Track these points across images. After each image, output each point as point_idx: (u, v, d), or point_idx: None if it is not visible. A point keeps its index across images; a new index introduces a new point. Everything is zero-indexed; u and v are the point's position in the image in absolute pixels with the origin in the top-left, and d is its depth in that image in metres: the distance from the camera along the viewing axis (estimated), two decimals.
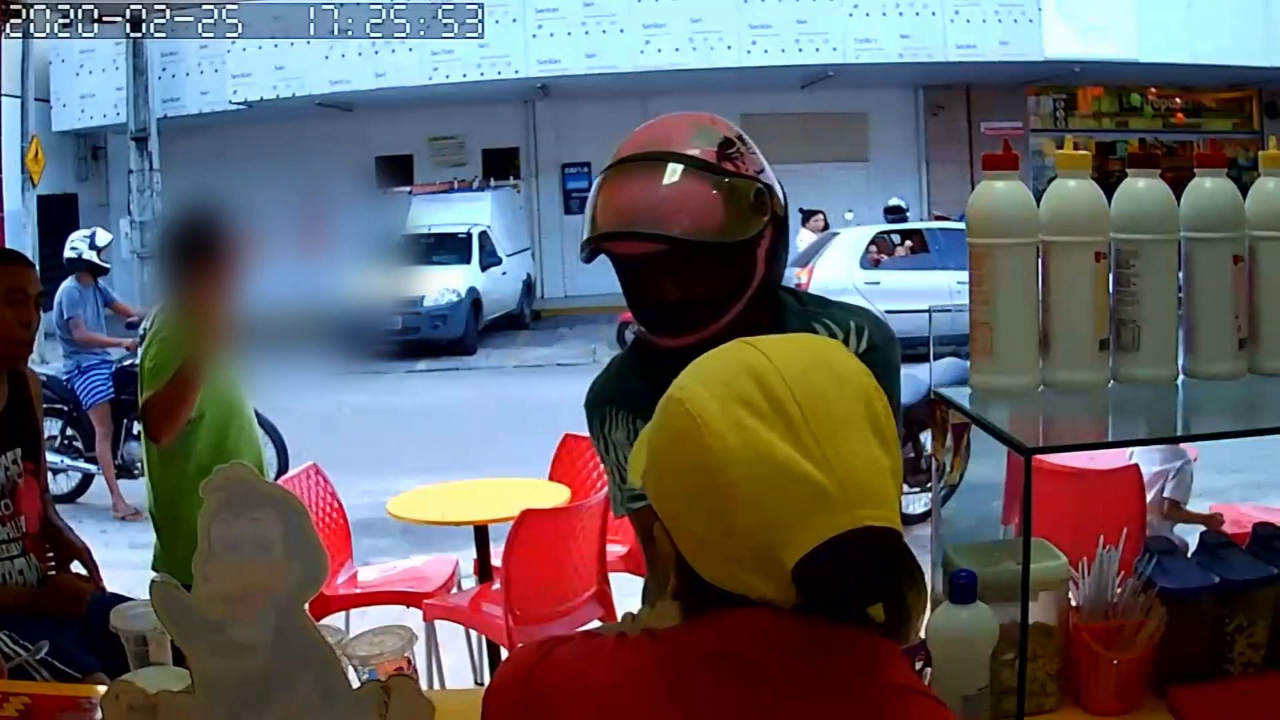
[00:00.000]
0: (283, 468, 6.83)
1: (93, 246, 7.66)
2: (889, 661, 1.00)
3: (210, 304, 3.06)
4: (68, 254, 7.70)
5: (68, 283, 7.66)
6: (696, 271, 1.78)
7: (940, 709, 1.04)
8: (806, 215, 14.87)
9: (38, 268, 3.08)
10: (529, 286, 18.34)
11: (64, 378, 7.68)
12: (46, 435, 7.66)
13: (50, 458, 7.57)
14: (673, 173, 1.79)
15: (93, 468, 7.72)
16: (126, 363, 7.53)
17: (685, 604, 1.03)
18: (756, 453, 0.96)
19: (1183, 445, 4.26)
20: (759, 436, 0.96)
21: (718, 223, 1.76)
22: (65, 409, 7.77)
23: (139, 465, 7.54)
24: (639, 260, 1.83)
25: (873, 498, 0.95)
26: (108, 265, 7.81)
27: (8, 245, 3.58)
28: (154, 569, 3.17)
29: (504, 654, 3.93)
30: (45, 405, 7.87)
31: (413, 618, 4.01)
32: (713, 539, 0.98)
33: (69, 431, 7.84)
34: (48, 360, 12.68)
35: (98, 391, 7.51)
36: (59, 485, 7.87)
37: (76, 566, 2.99)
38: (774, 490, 0.95)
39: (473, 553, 4.31)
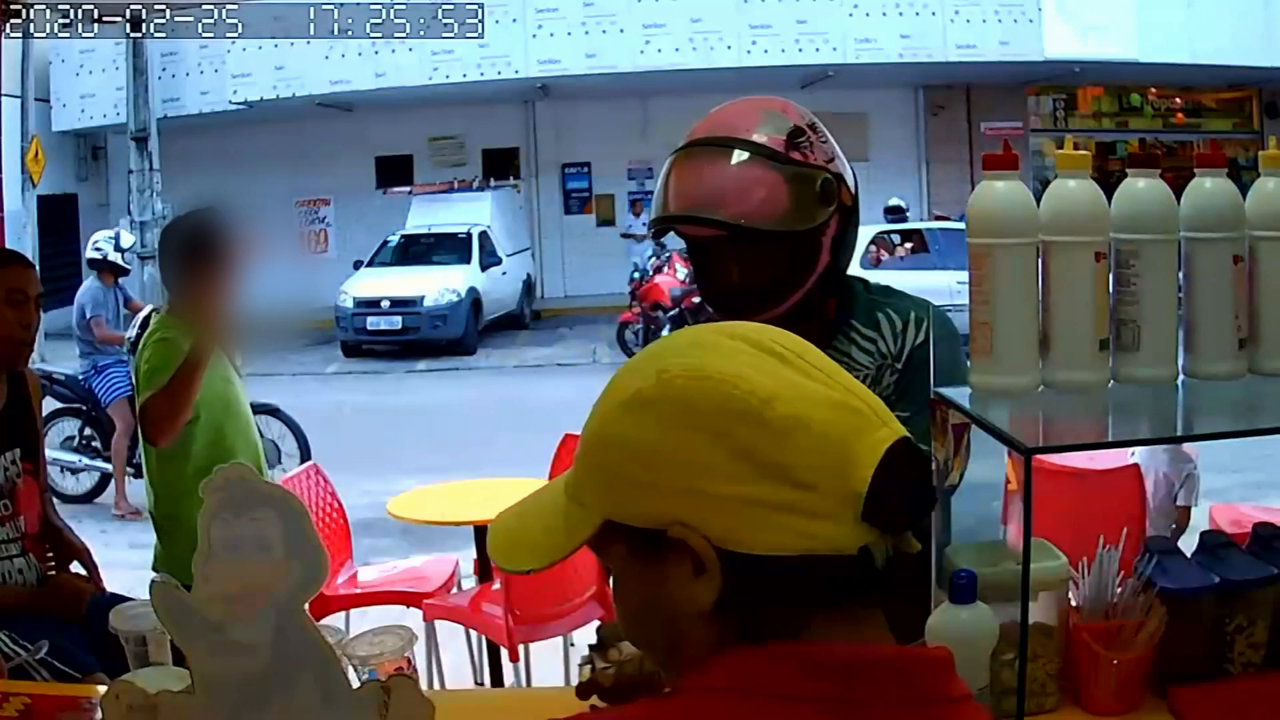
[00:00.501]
0: (305, 458, 6.95)
1: (117, 248, 7.71)
2: (938, 674, 0.95)
3: (209, 305, 3.06)
4: (91, 254, 7.75)
5: (91, 282, 7.69)
6: (758, 256, 1.83)
7: (984, 713, 1.01)
8: None
9: (38, 268, 3.09)
10: (529, 286, 18.34)
11: (81, 377, 7.68)
12: (65, 435, 7.70)
13: (68, 457, 7.55)
14: (738, 159, 1.82)
15: (110, 466, 7.68)
16: None
17: (719, 614, 0.92)
18: (791, 387, 0.93)
19: (1185, 447, 4.27)
20: (783, 375, 0.94)
21: (780, 211, 1.79)
22: (84, 408, 7.77)
23: None
24: (704, 241, 1.88)
25: (889, 415, 0.96)
26: (129, 266, 7.88)
27: (8, 245, 3.58)
28: (154, 569, 3.17)
29: (504, 654, 3.93)
30: (63, 405, 7.87)
31: (413, 618, 4.01)
32: (766, 493, 0.90)
33: (87, 431, 7.83)
34: (47, 360, 12.70)
35: (116, 388, 7.49)
36: (79, 484, 7.87)
37: (76, 567, 2.99)
38: (822, 418, 0.92)
39: (473, 553, 4.31)
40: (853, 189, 1.90)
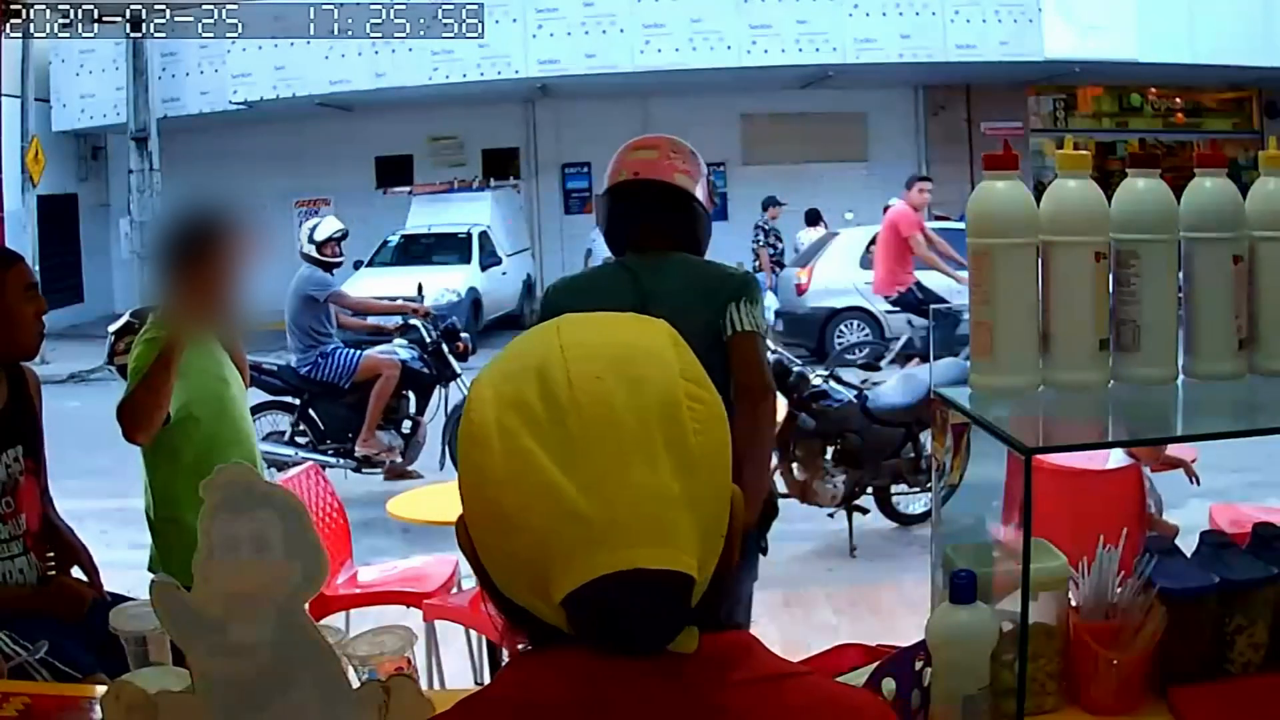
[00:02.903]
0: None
1: (311, 240, 7.56)
2: (743, 657, 0.92)
3: (204, 304, 3.06)
4: (299, 249, 7.64)
5: (310, 270, 7.50)
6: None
7: (822, 684, 0.96)
8: (811, 217, 14.88)
9: (37, 268, 3.11)
10: (529, 286, 18.33)
11: (304, 369, 7.51)
12: (274, 429, 7.54)
13: (283, 450, 7.34)
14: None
15: (319, 458, 7.24)
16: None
17: (506, 624, 0.95)
18: (525, 475, 0.86)
19: (1172, 447, 4.24)
20: (528, 455, 0.86)
21: None
22: (295, 401, 7.67)
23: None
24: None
25: (652, 535, 0.85)
26: (333, 259, 7.67)
27: (8, 245, 3.58)
28: (150, 570, 3.16)
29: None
30: (274, 398, 7.70)
31: (413, 618, 4.01)
32: (493, 553, 0.90)
33: (300, 425, 7.72)
34: (48, 361, 12.69)
35: (350, 364, 7.47)
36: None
37: (77, 572, 2.99)
38: (542, 518, 0.85)
39: None
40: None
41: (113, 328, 4.11)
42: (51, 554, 2.94)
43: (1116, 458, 3.87)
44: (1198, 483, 4.55)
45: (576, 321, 0.94)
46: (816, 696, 0.94)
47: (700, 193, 2.91)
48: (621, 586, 0.84)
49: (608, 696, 0.88)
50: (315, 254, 7.54)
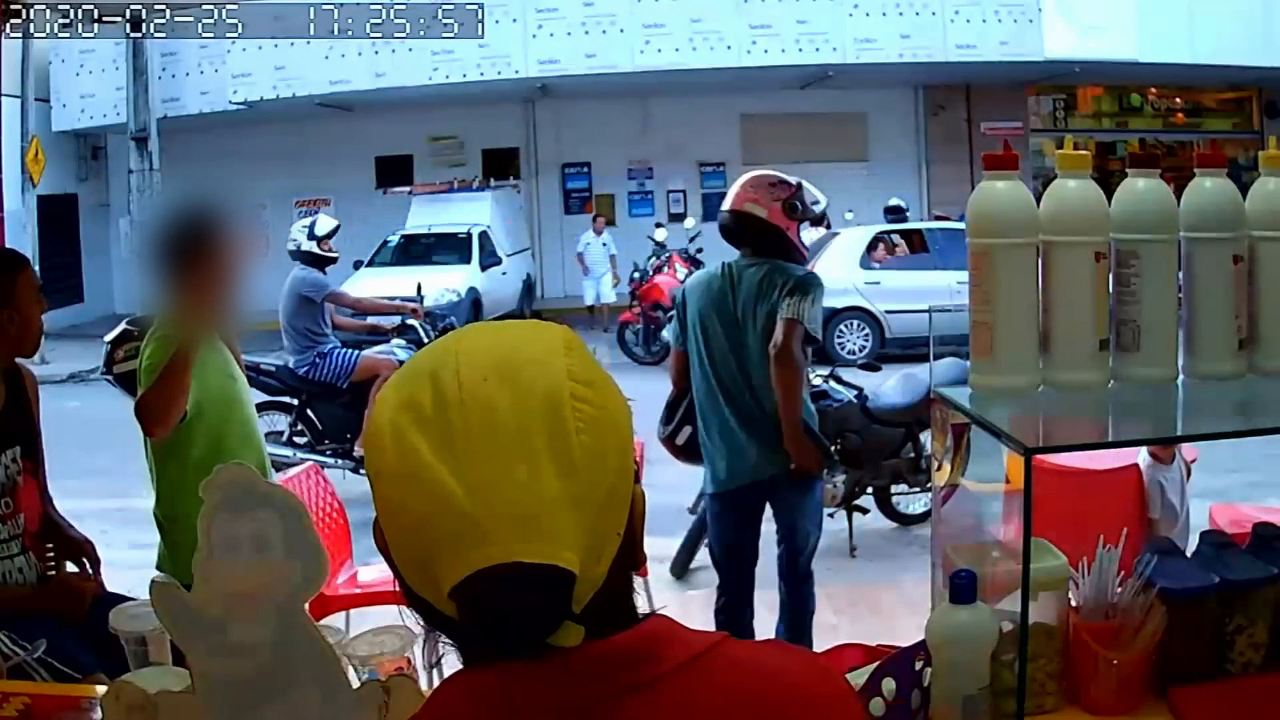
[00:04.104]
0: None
1: (311, 236, 7.48)
2: (657, 647, 0.94)
3: (202, 303, 3.07)
4: (289, 247, 7.52)
5: (305, 271, 7.40)
6: None
7: (739, 649, 0.98)
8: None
9: (37, 268, 3.13)
10: (529, 286, 18.34)
11: (302, 369, 7.47)
12: (272, 430, 7.49)
13: (281, 452, 7.20)
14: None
15: (317, 458, 7.20)
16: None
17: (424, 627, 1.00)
18: (413, 472, 0.90)
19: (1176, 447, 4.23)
20: (416, 453, 0.90)
21: None
22: (294, 401, 7.64)
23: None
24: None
25: (530, 531, 0.88)
26: (332, 255, 7.61)
27: (8, 245, 3.58)
28: (159, 569, 3.17)
29: None
30: (273, 399, 7.62)
31: (413, 618, 4.01)
32: (394, 547, 0.95)
33: (298, 426, 7.71)
34: (48, 361, 12.69)
35: (348, 364, 7.43)
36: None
37: (74, 566, 2.99)
38: (428, 514, 0.89)
39: None
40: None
41: (109, 337, 4.08)
42: (52, 555, 2.94)
43: (1125, 457, 3.87)
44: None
45: (474, 330, 0.99)
46: (736, 662, 0.96)
47: (764, 213, 3.89)
48: (501, 581, 0.87)
49: (514, 707, 0.92)
50: (317, 250, 7.48)
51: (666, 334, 5.88)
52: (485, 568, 0.87)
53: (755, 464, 3.85)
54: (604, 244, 16.64)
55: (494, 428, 0.89)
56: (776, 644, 1.07)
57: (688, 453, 4.11)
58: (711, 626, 3.72)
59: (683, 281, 13.76)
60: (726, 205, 3.96)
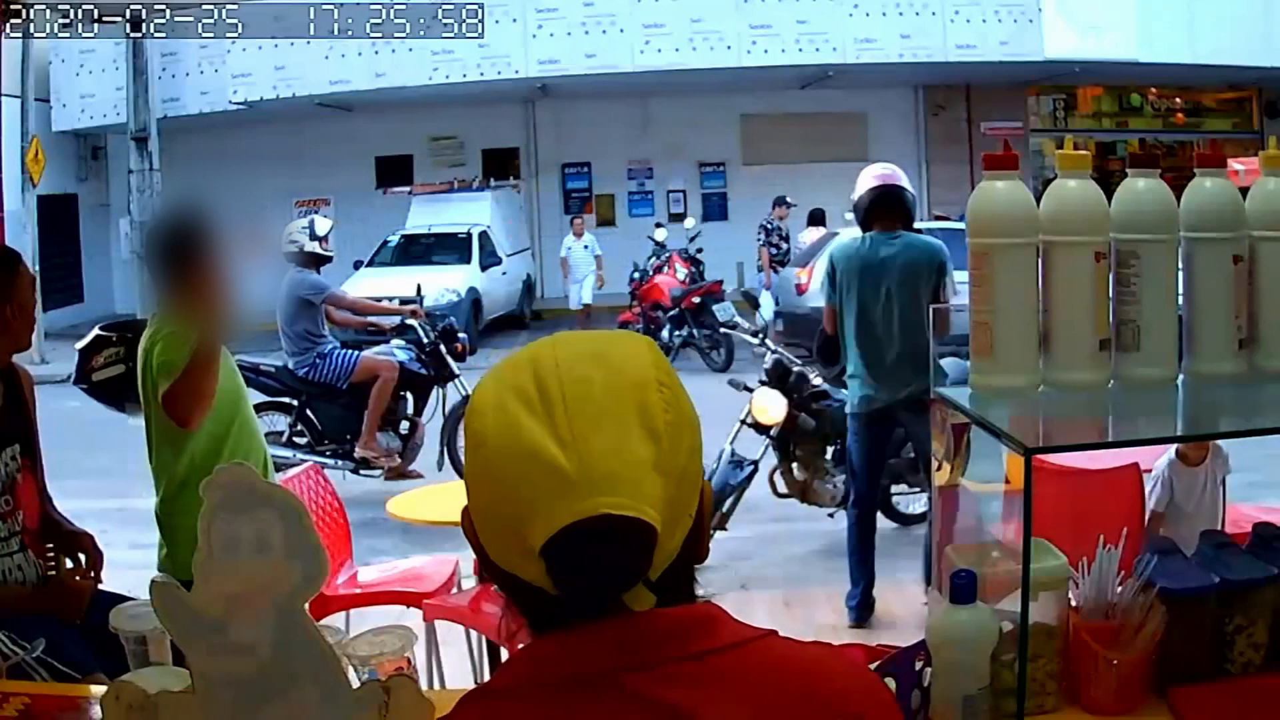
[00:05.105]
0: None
1: (313, 236, 7.42)
2: (710, 627, 1.00)
3: (200, 304, 3.08)
4: (287, 248, 7.42)
5: (302, 274, 7.34)
6: None
7: (786, 643, 1.03)
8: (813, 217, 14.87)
9: (37, 268, 3.14)
10: (529, 286, 18.34)
11: (302, 370, 7.45)
12: (272, 430, 7.47)
13: (281, 452, 7.14)
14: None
15: (317, 459, 7.15)
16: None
17: (505, 607, 1.05)
18: (511, 434, 0.98)
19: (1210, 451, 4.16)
20: (517, 420, 0.98)
21: None
22: (293, 402, 7.62)
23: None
24: None
25: (620, 487, 0.95)
26: (330, 254, 7.57)
27: (8, 245, 3.59)
28: (160, 569, 3.17)
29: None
30: (272, 399, 7.60)
31: (413, 618, 4.01)
32: (485, 518, 1.02)
33: (298, 426, 7.68)
34: (48, 361, 12.69)
35: (348, 364, 7.42)
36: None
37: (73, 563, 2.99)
38: (522, 471, 0.97)
39: (472, 553, 4.30)
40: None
41: (80, 345, 3.87)
42: (52, 554, 2.94)
43: (1125, 457, 3.85)
44: None
45: (568, 334, 1.08)
46: (782, 654, 1.02)
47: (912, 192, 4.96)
48: (590, 534, 0.94)
49: (579, 669, 0.98)
50: (320, 250, 7.46)
51: (819, 291, 6.50)
52: (575, 521, 0.94)
53: (891, 390, 4.76)
54: (585, 246, 16.46)
55: (589, 397, 0.98)
56: (823, 645, 1.11)
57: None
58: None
59: (684, 282, 13.82)
60: (885, 182, 4.84)
